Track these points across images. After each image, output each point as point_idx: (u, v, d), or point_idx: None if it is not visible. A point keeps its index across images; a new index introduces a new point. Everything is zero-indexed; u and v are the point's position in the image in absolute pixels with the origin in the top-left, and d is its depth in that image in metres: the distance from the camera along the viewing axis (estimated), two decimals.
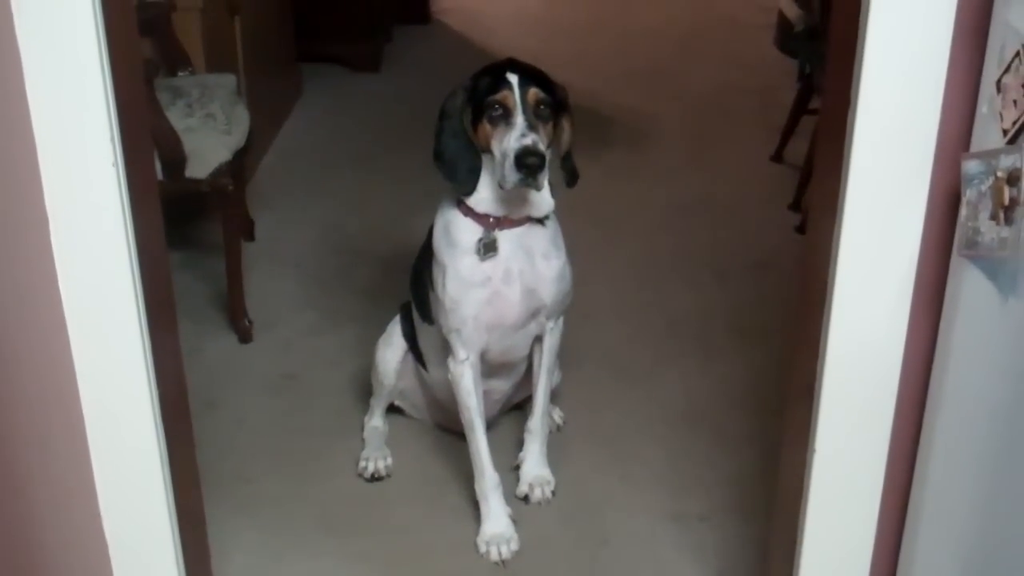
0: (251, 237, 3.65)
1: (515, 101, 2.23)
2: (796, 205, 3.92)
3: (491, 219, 2.35)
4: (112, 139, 1.61)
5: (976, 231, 1.39)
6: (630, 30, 5.87)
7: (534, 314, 2.45)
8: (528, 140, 2.19)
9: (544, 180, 2.25)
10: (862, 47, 1.52)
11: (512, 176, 2.20)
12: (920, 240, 1.61)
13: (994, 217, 1.33)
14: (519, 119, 2.22)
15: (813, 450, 1.78)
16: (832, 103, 1.70)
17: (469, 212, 2.35)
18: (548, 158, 2.24)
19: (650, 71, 5.28)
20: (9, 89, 1.58)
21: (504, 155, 2.21)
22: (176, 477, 1.94)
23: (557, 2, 6.31)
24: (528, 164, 2.17)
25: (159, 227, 1.86)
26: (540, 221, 2.39)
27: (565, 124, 2.34)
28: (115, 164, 1.62)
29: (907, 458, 1.72)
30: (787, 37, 4.05)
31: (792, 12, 4.00)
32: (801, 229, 3.77)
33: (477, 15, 6.05)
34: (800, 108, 4.14)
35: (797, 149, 4.13)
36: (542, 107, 2.26)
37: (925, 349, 1.65)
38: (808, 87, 4.08)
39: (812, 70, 3.98)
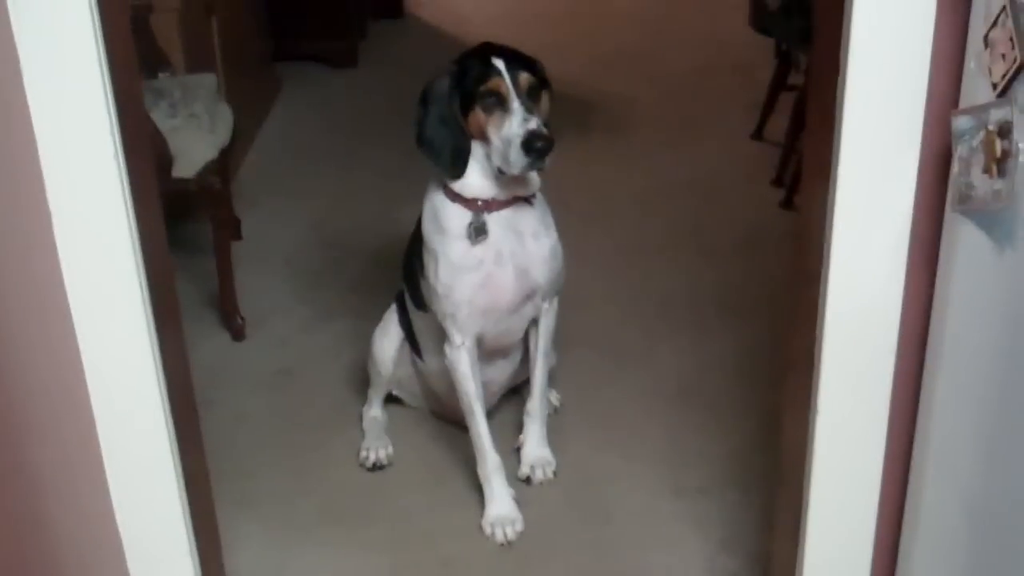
0: (238, 236, 3.65)
1: (508, 88, 2.25)
2: (779, 181, 3.95)
3: (479, 202, 2.36)
4: (112, 131, 1.61)
5: (969, 186, 1.41)
6: (603, 16, 5.89)
7: (529, 295, 2.46)
8: (532, 124, 2.21)
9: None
10: (850, 9, 1.54)
11: (520, 161, 2.22)
12: (913, 199, 1.63)
13: (987, 170, 1.35)
14: (515, 104, 2.24)
15: (816, 411, 1.80)
16: (820, 67, 1.72)
17: (456, 197, 2.36)
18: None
19: (626, 55, 5.30)
20: (7, 87, 1.59)
21: (507, 142, 2.23)
22: (187, 474, 1.94)
23: None
24: (538, 148, 2.20)
25: (160, 223, 1.86)
26: (527, 200, 2.40)
27: (545, 98, 2.35)
28: (116, 156, 1.63)
29: (909, 415, 1.75)
30: (762, 16, 4.08)
31: None
32: (785, 204, 3.81)
33: (449, 7, 6.06)
34: (778, 85, 4.17)
35: (777, 126, 4.16)
36: (533, 90, 2.28)
37: (922, 306, 1.67)
38: (785, 64, 4.11)
39: (789, 47, 4.01)
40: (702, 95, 4.82)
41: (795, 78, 4.06)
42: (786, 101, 4.07)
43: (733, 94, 4.75)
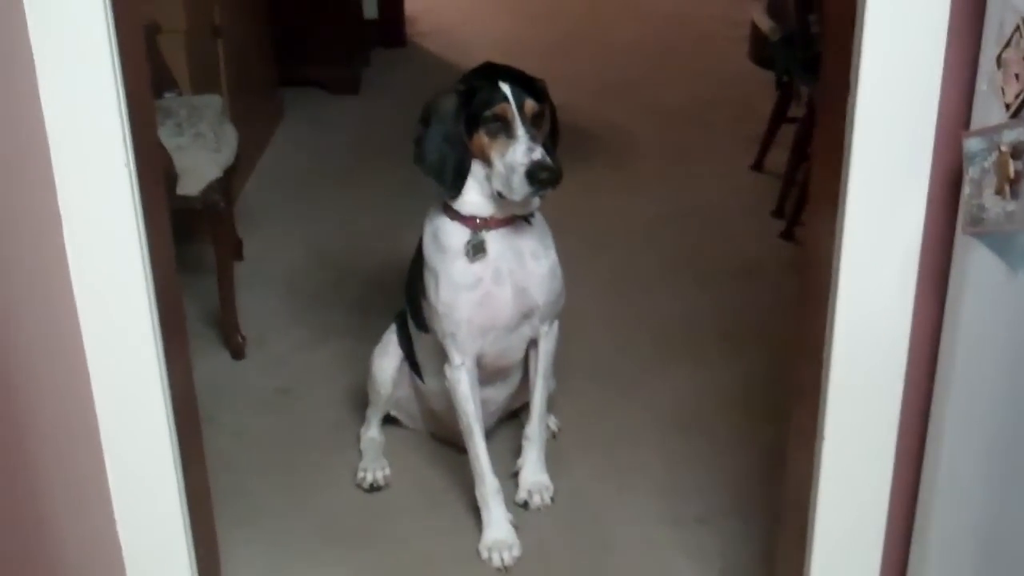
0: (240, 256, 3.65)
1: (513, 114, 2.26)
2: (779, 212, 3.96)
3: (477, 220, 2.36)
4: (125, 149, 1.62)
5: (981, 208, 1.41)
6: (606, 47, 5.91)
7: (527, 314, 2.45)
8: (537, 155, 2.22)
9: None
10: (860, 30, 1.54)
11: (524, 189, 2.23)
12: (923, 223, 1.63)
13: (999, 192, 1.35)
14: (520, 131, 2.24)
15: (822, 439, 1.79)
16: (828, 91, 1.72)
17: (456, 216, 2.37)
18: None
19: (627, 86, 5.32)
20: (26, 103, 1.59)
21: (511, 168, 2.23)
22: (190, 490, 1.94)
23: (531, 22, 6.34)
24: (542, 179, 2.21)
25: (169, 240, 1.87)
26: (526, 220, 2.41)
27: (546, 119, 2.35)
28: (128, 174, 1.63)
29: (917, 444, 1.73)
30: (762, 48, 4.10)
31: (765, 24, 4.05)
32: (785, 235, 3.81)
33: (452, 37, 6.08)
34: (779, 117, 4.18)
35: (777, 158, 4.17)
36: (537, 117, 2.29)
37: (932, 331, 1.67)
38: (786, 96, 4.12)
39: (790, 78, 4.03)
40: (703, 127, 4.83)
41: (795, 110, 4.08)
42: (786, 133, 4.09)
43: (734, 126, 4.76)
